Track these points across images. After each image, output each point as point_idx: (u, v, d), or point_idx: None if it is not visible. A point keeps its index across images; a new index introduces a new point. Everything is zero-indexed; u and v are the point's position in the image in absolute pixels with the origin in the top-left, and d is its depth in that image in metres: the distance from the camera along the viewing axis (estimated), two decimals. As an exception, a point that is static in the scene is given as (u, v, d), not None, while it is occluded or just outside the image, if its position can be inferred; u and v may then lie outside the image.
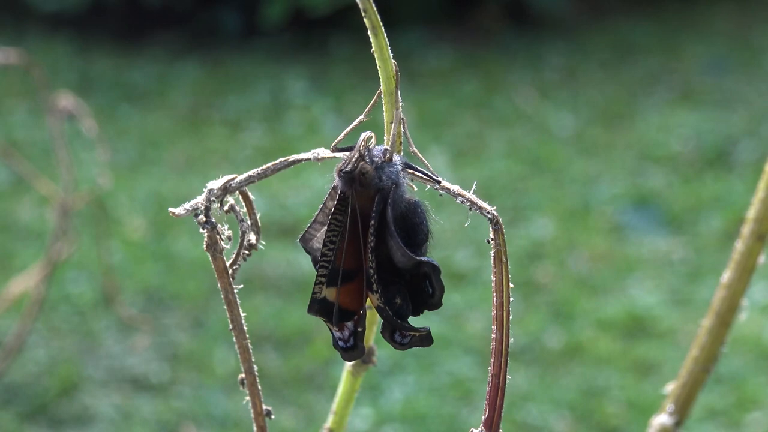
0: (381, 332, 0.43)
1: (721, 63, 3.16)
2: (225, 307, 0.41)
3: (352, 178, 0.41)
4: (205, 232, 0.40)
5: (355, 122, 0.42)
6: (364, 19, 0.38)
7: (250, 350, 0.41)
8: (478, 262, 2.11)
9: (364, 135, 0.41)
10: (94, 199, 1.40)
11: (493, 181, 2.47)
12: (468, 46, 3.33)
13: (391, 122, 0.41)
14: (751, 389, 1.77)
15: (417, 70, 3.10)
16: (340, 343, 0.43)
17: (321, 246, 0.42)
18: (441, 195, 0.42)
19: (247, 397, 0.42)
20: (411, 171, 0.42)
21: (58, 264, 1.22)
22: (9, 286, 1.38)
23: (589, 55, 3.28)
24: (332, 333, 0.43)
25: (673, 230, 2.29)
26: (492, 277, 0.41)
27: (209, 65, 3.22)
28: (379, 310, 0.42)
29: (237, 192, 0.41)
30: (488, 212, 0.40)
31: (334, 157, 0.42)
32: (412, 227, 0.42)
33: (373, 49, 0.40)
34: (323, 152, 0.41)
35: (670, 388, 0.55)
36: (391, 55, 0.40)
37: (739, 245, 0.52)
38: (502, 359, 0.40)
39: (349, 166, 0.40)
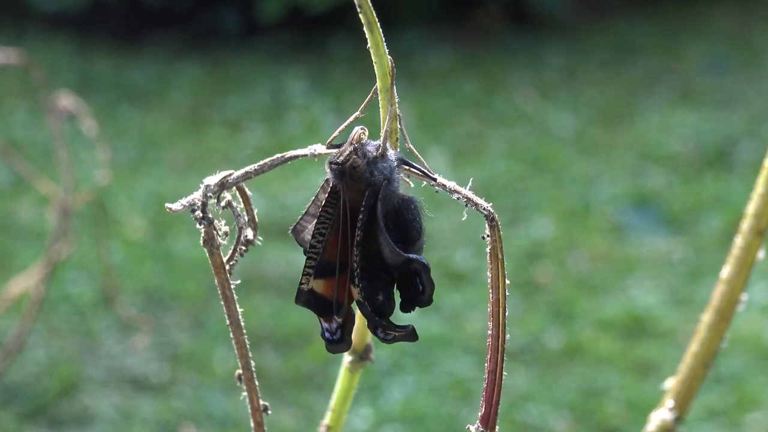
0: (366, 325, 0.43)
1: (721, 63, 3.16)
2: (222, 302, 0.41)
3: (342, 171, 0.41)
4: (201, 228, 0.40)
5: (351, 118, 0.42)
6: (360, 15, 0.38)
7: (248, 346, 0.41)
8: (477, 262, 2.11)
9: (356, 129, 0.41)
10: (94, 199, 1.40)
11: (493, 181, 2.47)
12: (468, 46, 3.33)
13: (387, 118, 0.41)
14: (751, 389, 1.77)
15: (417, 70, 3.10)
16: (327, 334, 0.43)
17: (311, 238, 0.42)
18: (437, 191, 0.42)
19: (245, 393, 0.42)
20: (407, 168, 0.42)
21: (58, 264, 1.22)
22: (9, 286, 1.38)
23: (589, 55, 3.28)
24: (321, 324, 0.43)
25: (673, 230, 2.29)
26: (488, 273, 0.41)
27: (209, 65, 3.22)
28: (358, 304, 0.42)
29: (234, 188, 0.41)
30: (484, 209, 0.40)
31: (330, 153, 0.42)
32: (405, 223, 0.42)
33: (369, 45, 0.40)
34: (320, 148, 0.41)
35: (670, 383, 0.55)
36: (386, 51, 0.40)
37: (739, 240, 0.52)
38: (499, 355, 0.40)
39: (340, 159, 0.41)
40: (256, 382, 0.42)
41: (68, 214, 1.16)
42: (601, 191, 2.44)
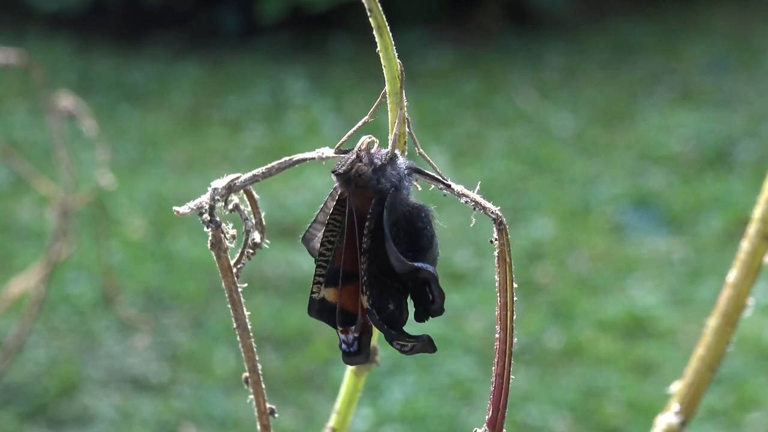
0: (384, 337, 0.42)
1: (721, 63, 3.16)
2: (229, 305, 0.41)
3: (348, 178, 0.41)
4: (209, 231, 0.40)
5: (360, 123, 0.42)
6: (369, 19, 0.38)
7: (254, 349, 0.41)
8: (478, 263, 2.11)
9: (364, 138, 0.41)
10: (94, 199, 1.40)
11: (493, 181, 2.47)
12: (468, 46, 3.33)
13: (396, 122, 0.41)
14: (751, 389, 1.77)
15: (417, 70, 3.09)
16: (344, 346, 0.43)
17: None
18: (445, 195, 0.41)
19: (250, 396, 0.42)
20: (420, 175, 0.41)
21: (58, 264, 1.22)
22: (9, 286, 1.38)
23: (589, 55, 3.28)
24: (338, 335, 0.43)
25: (673, 230, 2.29)
26: (495, 277, 0.41)
27: (209, 65, 3.22)
28: (368, 312, 0.42)
29: (241, 191, 0.41)
30: (492, 212, 0.40)
31: (338, 157, 0.42)
32: (416, 231, 0.42)
33: (378, 48, 0.40)
34: (327, 152, 0.41)
35: (676, 387, 0.55)
36: (396, 54, 0.40)
37: (745, 244, 0.52)
38: (506, 359, 0.40)
39: (343, 168, 0.40)
40: (263, 385, 0.42)
41: (68, 214, 1.16)
42: (601, 191, 2.44)
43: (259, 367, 0.42)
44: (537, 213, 2.34)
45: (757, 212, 0.51)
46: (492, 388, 0.40)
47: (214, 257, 0.40)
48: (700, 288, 2.06)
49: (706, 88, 3.02)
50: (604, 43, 3.36)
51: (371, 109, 0.41)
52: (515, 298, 0.41)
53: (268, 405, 0.42)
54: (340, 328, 0.42)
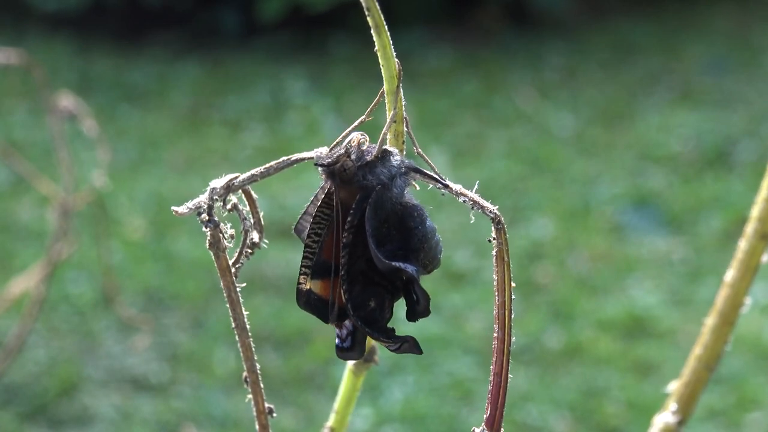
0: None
1: (721, 63, 3.16)
2: (228, 305, 0.41)
3: (332, 172, 0.41)
4: (207, 231, 0.40)
5: (357, 122, 0.42)
6: (368, 18, 0.38)
7: (253, 349, 0.41)
8: (477, 262, 2.11)
9: (354, 134, 0.41)
10: (94, 199, 1.40)
11: (493, 181, 2.47)
12: (468, 46, 3.33)
13: (393, 122, 0.41)
14: (751, 389, 1.77)
15: (417, 70, 3.10)
16: (337, 341, 0.43)
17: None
18: (443, 195, 0.41)
19: (249, 396, 0.42)
20: (418, 175, 0.41)
21: (58, 264, 1.22)
22: (9, 286, 1.38)
23: (589, 55, 3.28)
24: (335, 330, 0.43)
25: (673, 230, 2.29)
26: (494, 276, 0.41)
27: (209, 65, 3.22)
28: (345, 309, 0.42)
29: (240, 191, 0.41)
30: (490, 211, 0.40)
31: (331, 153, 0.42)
32: (407, 231, 0.41)
33: (376, 47, 0.40)
34: (325, 151, 0.41)
35: (673, 387, 0.55)
36: (394, 53, 0.40)
37: (743, 244, 0.52)
38: (504, 358, 0.40)
39: (327, 160, 0.40)
40: (262, 385, 0.42)
41: (68, 214, 1.16)
42: (601, 191, 2.44)
43: (258, 366, 0.42)
44: (537, 213, 2.34)
45: (755, 211, 0.51)
46: (490, 387, 0.40)
47: (213, 257, 0.40)
48: (700, 288, 2.06)
49: (706, 88, 3.02)
50: (604, 43, 3.36)
51: (368, 109, 0.41)
52: (514, 298, 0.41)
53: (266, 404, 0.42)
54: (334, 323, 0.43)
